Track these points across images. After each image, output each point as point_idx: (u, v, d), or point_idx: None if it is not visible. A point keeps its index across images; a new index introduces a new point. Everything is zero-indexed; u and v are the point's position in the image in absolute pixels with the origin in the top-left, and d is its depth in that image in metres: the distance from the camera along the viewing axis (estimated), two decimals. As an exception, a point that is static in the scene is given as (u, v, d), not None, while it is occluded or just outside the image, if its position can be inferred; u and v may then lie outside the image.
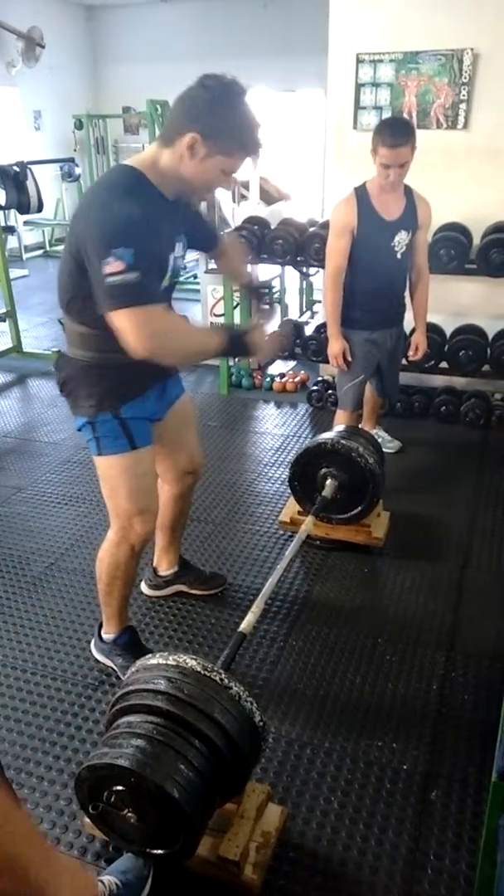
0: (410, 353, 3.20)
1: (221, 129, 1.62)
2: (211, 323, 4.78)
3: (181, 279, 2.09)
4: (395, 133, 2.59)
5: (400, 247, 2.85)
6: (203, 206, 6.20)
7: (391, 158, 2.61)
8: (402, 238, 2.84)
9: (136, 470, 1.93)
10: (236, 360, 4.40)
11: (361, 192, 2.80)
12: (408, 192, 2.85)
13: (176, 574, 2.53)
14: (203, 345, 1.75)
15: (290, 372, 4.76)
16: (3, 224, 5.63)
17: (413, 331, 3.20)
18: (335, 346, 2.97)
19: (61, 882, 0.76)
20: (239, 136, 1.64)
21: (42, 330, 6.12)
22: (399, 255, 2.87)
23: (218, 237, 2.23)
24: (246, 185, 6.75)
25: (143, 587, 2.55)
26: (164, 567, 2.52)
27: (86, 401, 1.87)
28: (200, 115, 1.61)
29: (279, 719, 2.02)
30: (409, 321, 3.18)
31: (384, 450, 3.07)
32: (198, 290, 5.30)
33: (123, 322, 1.57)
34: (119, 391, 1.86)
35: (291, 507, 2.95)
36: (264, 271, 5.49)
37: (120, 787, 1.36)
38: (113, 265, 1.52)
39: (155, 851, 1.45)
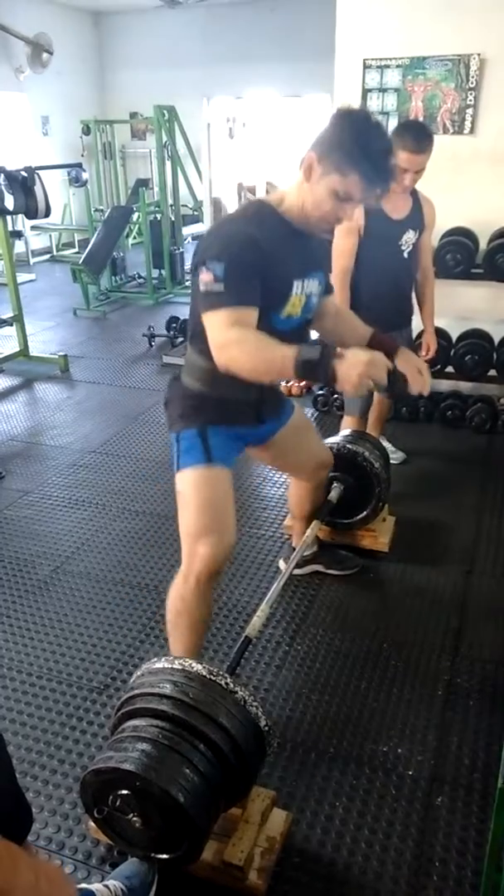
0: (422, 353, 3.20)
1: (335, 144, 1.56)
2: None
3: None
4: (419, 139, 2.59)
5: (407, 246, 2.86)
6: (210, 207, 6.24)
7: (411, 163, 2.62)
8: (409, 237, 2.84)
9: (207, 485, 1.83)
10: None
11: None
12: (413, 192, 2.85)
13: (315, 554, 2.64)
14: (275, 361, 1.55)
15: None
16: (11, 229, 5.66)
17: (423, 332, 3.21)
18: None
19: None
20: (352, 154, 1.54)
21: (49, 334, 6.15)
22: (406, 255, 2.87)
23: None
24: (252, 190, 6.78)
25: (281, 563, 2.70)
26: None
27: (179, 419, 1.88)
28: (320, 137, 1.59)
29: (284, 724, 2.02)
30: (415, 325, 3.18)
31: (388, 460, 3.06)
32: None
33: (207, 325, 1.61)
34: (211, 417, 1.85)
35: (297, 512, 2.94)
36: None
37: (125, 792, 1.36)
38: (205, 275, 1.58)
39: (159, 856, 1.45)
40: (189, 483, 1.84)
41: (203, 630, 1.93)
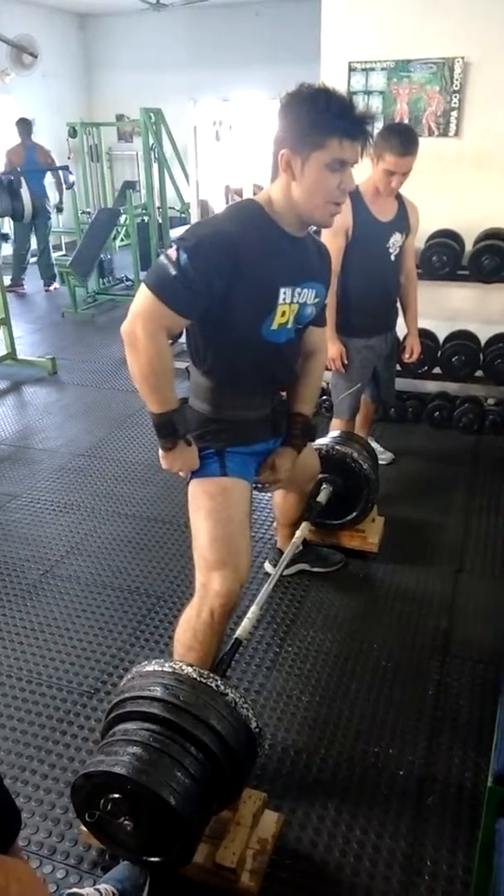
0: (406, 356, 3.21)
1: (298, 128, 1.49)
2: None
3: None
4: (407, 142, 2.60)
5: (394, 249, 2.87)
6: (197, 209, 6.25)
7: (398, 166, 2.63)
8: (396, 240, 2.86)
9: (222, 504, 1.76)
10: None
11: (355, 194, 2.80)
12: (398, 195, 2.87)
13: (300, 553, 2.58)
14: (157, 390, 1.59)
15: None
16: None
17: (406, 335, 3.22)
18: (332, 349, 2.97)
19: None
20: (318, 123, 1.47)
21: (36, 337, 6.13)
22: (393, 258, 2.89)
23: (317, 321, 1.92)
24: (240, 193, 6.79)
25: (267, 566, 2.70)
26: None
27: (196, 441, 1.79)
28: (281, 130, 1.54)
29: (275, 725, 2.02)
30: (399, 327, 3.20)
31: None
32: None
33: (137, 297, 1.54)
34: (230, 439, 1.81)
35: (286, 513, 2.95)
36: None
37: (116, 795, 1.36)
38: (170, 252, 1.52)
39: (151, 859, 1.45)
40: (200, 498, 1.78)
41: (211, 664, 1.76)
